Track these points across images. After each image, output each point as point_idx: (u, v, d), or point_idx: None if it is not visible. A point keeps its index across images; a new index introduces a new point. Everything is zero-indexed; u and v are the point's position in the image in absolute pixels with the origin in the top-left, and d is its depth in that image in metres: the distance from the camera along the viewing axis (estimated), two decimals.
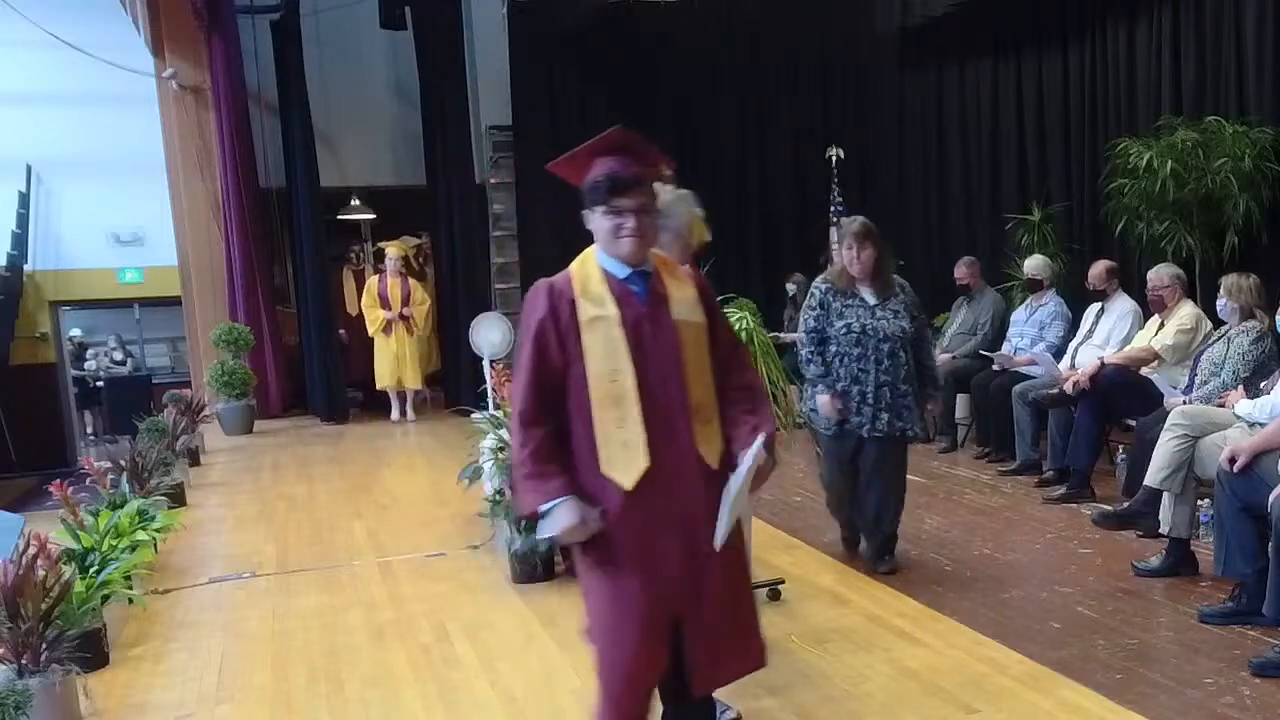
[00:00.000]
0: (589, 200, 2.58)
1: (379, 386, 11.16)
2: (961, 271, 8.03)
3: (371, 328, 11.01)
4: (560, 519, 2.47)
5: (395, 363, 10.93)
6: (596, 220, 2.58)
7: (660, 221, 2.99)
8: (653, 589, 2.52)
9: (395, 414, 11.06)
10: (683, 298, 2.63)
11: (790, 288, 10.22)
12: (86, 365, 15.56)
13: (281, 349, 11.81)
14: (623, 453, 2.50)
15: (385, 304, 10.92)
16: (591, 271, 2.60)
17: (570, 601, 4.62)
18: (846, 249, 4.82)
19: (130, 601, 4.61)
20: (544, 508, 2.48)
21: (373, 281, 11.24)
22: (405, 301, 10.94)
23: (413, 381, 11.06)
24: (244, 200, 11.32)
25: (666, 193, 3.36)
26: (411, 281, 11.23)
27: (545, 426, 2.52)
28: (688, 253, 3.45)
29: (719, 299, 4.26)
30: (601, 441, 2.51)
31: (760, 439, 2.54)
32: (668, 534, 2.53)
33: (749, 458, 2.49)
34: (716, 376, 2.64)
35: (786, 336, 8.46)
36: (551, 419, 2.54)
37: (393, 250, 11.12)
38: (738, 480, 2.50)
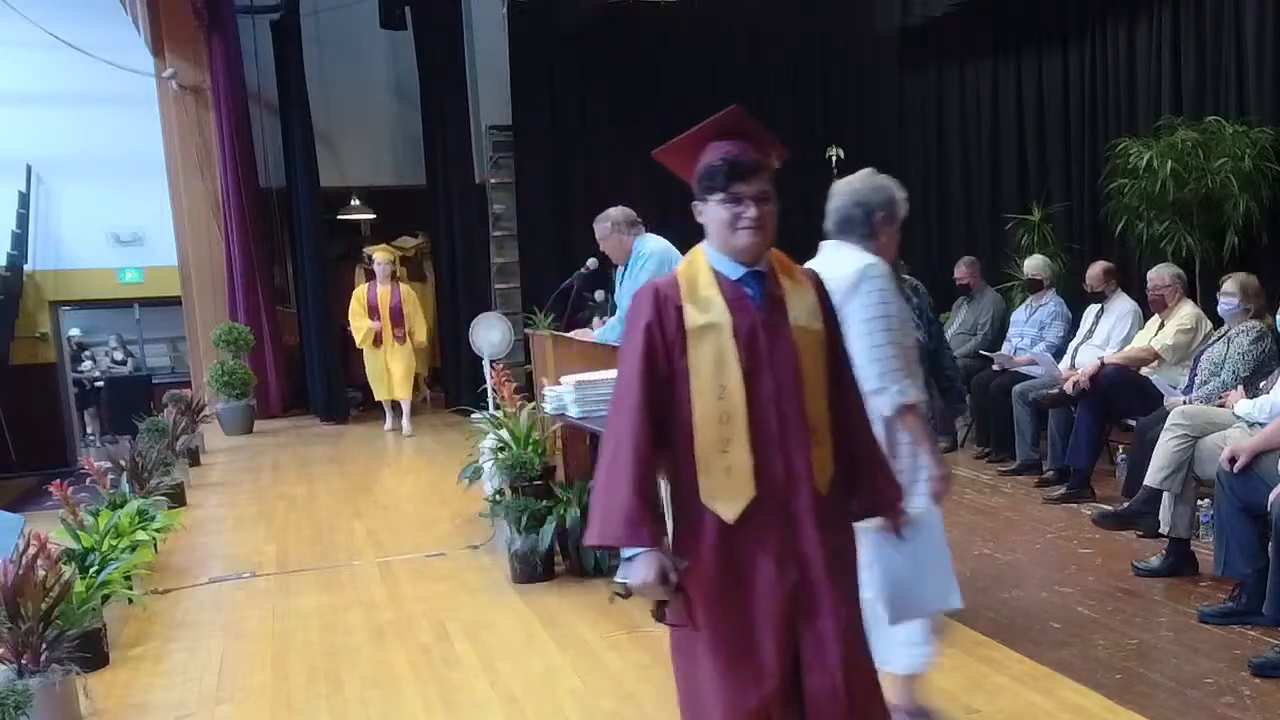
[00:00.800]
0: (702, 188, 2.31)
1: (376, 399, 10.57)
2: (961, 271, 8.03)
3: (358, 338, 10.17)
4: (639, 570, 2.18)
5: (386, 375, 10.14)
6: (710, 211, 2.30)
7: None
8: (759, 643, 2.24)
9: (389, 423, 10.40)
10: (802, 302, 2.34)
11: None
12: (83, 366, 15.54)
13: (281, 349, 11.81)
14: (726, 480, 2.22)
15: (374, 313, 10.01)
16: (700, 272, 2.32)
17: (570, 601, 4.63)
18: None
19: (130, 601, 4.62)
20: (627, 554, 2.21)
21: (361, 290, 10.30)
22: (397, 310, 10.04)
23: (403, 393, 10.20)
24: (244, 200, 11.33)
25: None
26: (404, 288, 10.32)
27: (653, 456, 2.24)
28: None
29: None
30: (703, 468, 2.24)
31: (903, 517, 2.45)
32: (774, 576, 2.25)
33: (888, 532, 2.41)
34: (831, 392, 2.35)
35: None
36: (661, 448, 2.27)
37: (380, 255, 10.27)
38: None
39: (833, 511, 2.32)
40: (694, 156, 2.33)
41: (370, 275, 10.55)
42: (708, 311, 2.26)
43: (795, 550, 2.26)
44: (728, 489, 2.22)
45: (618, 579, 2.31)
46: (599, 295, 6.52)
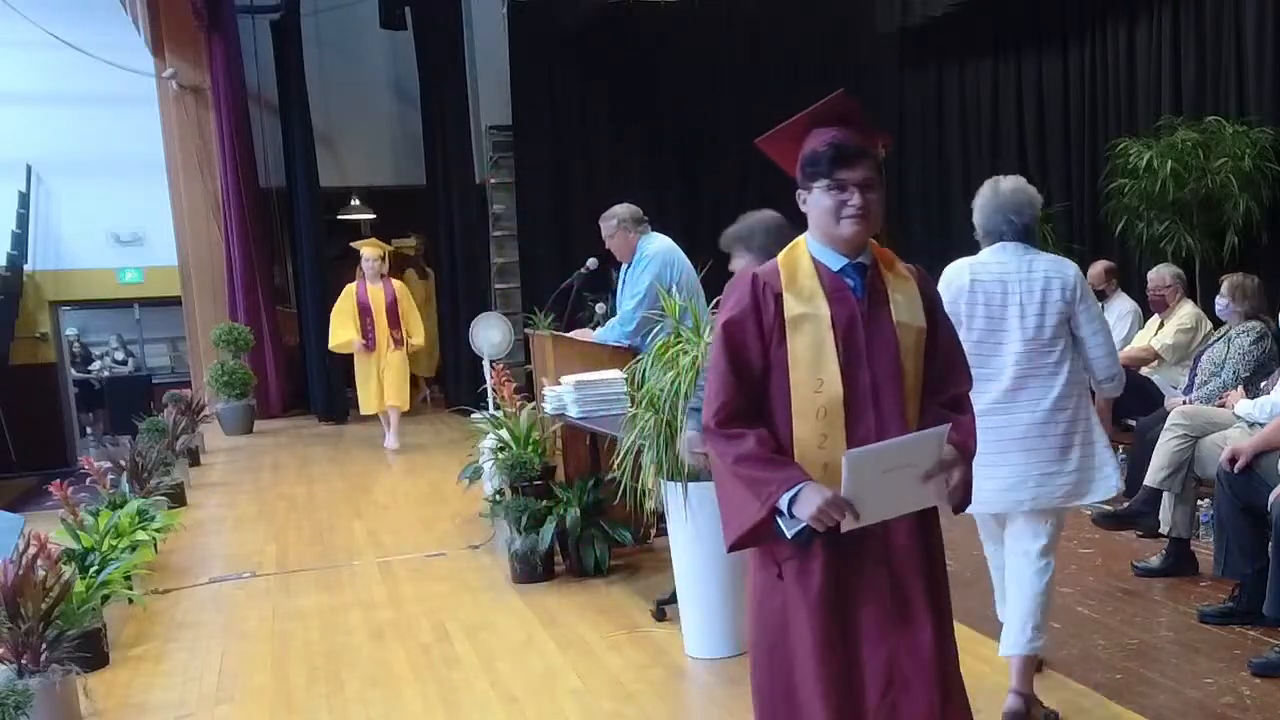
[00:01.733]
0: (806, 175, 2.25)
1: (363, 412, 9.42)
2: None
3: (332, 340, 9.16)
4: (810, 499, 2.07)
5: (377, 385, 9.07)
6: (814, 199, 2.24)
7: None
8: (847, 648, 2.18)
9: (389, 440, 9.30)
10: (905, 296, 2.27)
11: None
12: (93, 367, 15.54)
13: (281, 349, 11.82)
14: (824, 477, 2.12)
15: (366, 314, 8.96)
16: (801, 261, 2.26)
17: (570, 601, 4.63)
18: None
19: (130, 601, 4.61)
20: (788, 494, 2.09)
21: (352, 287, 9.15)
22: (392, 308, 9.00)
23: (398, 398, 9.13)
24: (244, 200, 11.33)
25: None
26: (397, 284, 9.35)
27: (756, 426, 2.18)
28: None
29: (718, 299, 4.32)
30: (798, 463, 2.16)
31: (946, 427, 2.17)
32: (868, 580, 2.19)
33: (934, 431, 2.16)
34: (930, 390, 2.27)
35: None
36: (760, 421, 2.19)
37: (368, 250, 9.21)
38: (908, 439, 2.15)
39: (927, 514, 2.25)
40: (797, 144, 2.29)
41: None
42: (808, 301, 2.20)
43: (889, 555, 2.20)
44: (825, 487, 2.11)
45: (790, 534, 2.10)
46: (600, 308, 6.49)
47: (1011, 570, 3.40)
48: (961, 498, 2.26)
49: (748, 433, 2.16)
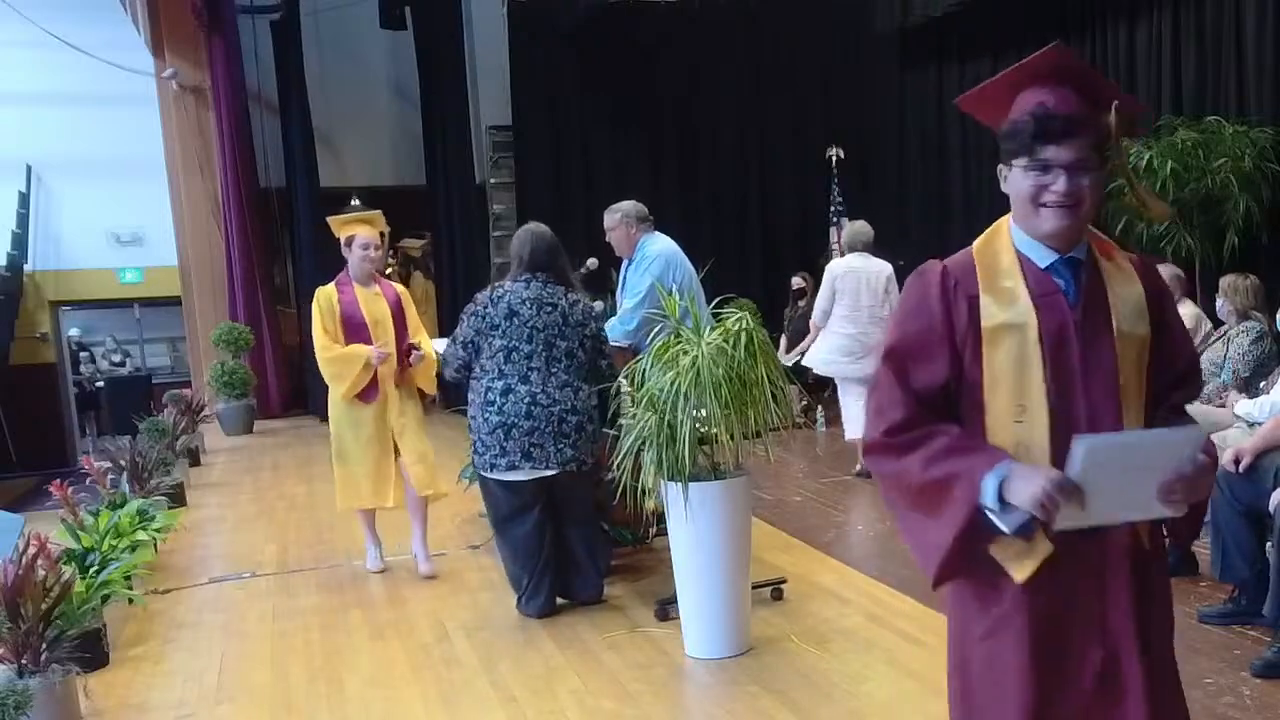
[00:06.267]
0: (1007, 149, 1.85)
1: (362, 506, 5.26)
2: None
3: (339, 387, 5.04)
4: (1030, 479, 1.68)
5: (381, 455, 5.10)
6: (1013, 179, 1.84)
7: None
8: None
9: (373, 559, 5.37)
10: (1127, 297, 1.84)
11: (797, 281, 10.10)
12: (83, 369, 15.54)
13: (281, 349, 11.82)
14: None
15: (357, 331, 5.03)
16: (1002, 256, 1.85)
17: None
18: None
19: (130, 601, 4.61)
20: (994, 474, 1.72)
21: (327, 293, 5.11)
22: (398, 318, 5.15)
23: (428, 482, 5.15)
24: (244, 200, 11.35)
25: None
26: (399, 287, 5.38)
27: (940, 425, 1.80)
28: None
29: (719, 299, 4.33)
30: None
31: (1200, 431, 1.79)
32: (1075, 655, 1.82)
33: (1187, 431, 1.79)
34: (1149, 410, 1.85)
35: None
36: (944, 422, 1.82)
37: (364, 231, 5.12)
38: (1156, 434, 1.79)
39: (1149, 567, 1.86)
40: (1003, 106, 1.88)
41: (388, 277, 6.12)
42: (1010, 307, 1.80)
43: (1102, 621, 1.82)
44: (1020, 540, 1.75)
45: (1007, 529, 1.73)
46: (598, 305, 6.47)
47: None
48: (1190, 530, 1.95)
49: (937, 429, 1.79)
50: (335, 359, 4.99)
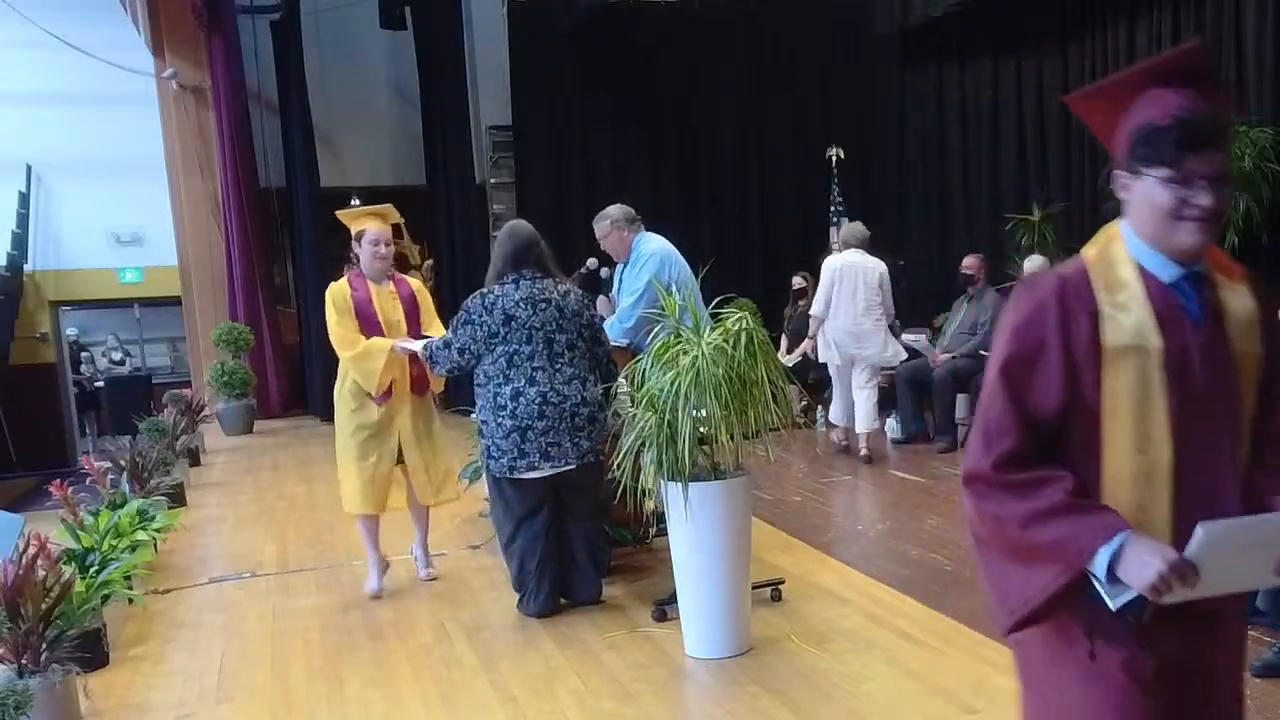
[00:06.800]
0: (1139, 155, 1.67)
1: (366, 511, 4.92)
2: (971, 263, 8.01)
3: (369, 381, 4.77)
4: (1146, 559, 1.56)
5: (388, 463, 4.89)
6: (1146, 190, 1.67)
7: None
8: None
9: (374, 581, 4.99)
10: (1242, 313, 1.71)
11: (797, 281, 10.09)
12: (83, 369, 15.53)
13: (281, 349, 11.82)
14: None
15: (370, 328, 4.85)
16: (1120, 269, 1.70)
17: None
18: None
19: (130, 601, 4.61)
20: (1108, 548, 1.59)
21: (339, 288, 4.92)
22: (412, 318, 5.02)
23: (436, 487, 5.03)
24: (244, 200, 11.35)
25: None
26: (414, 282, 5.31)
27: (1053, 468, 1.66)
28: None
29: (719, 299, 4.32)
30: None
31: None
32: (1182, 688, 1.73)
33: None
34: (1257, 436, 1.73)
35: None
36: (1057, 464, 1.68)
37: (374, 226, 5.02)
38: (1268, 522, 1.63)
39: (1247, 611, 1.80)
40: (1123, 108, 1.71)
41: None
42: (1132, 327, 1.66)
43: (1210, 666, 1.76)
44: (1134, 575, 1.60)
45: (1114, 605, 1.63)
46: (600, 302, 6.46)
47: None
48: None
49: (1051, 477, 1.64)
50: (360, 355, 4.78)
